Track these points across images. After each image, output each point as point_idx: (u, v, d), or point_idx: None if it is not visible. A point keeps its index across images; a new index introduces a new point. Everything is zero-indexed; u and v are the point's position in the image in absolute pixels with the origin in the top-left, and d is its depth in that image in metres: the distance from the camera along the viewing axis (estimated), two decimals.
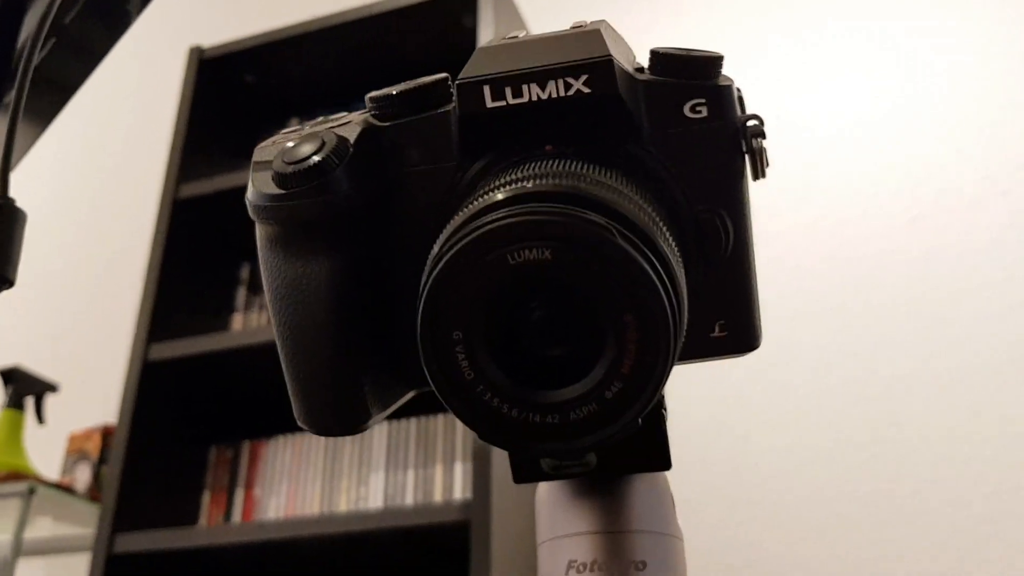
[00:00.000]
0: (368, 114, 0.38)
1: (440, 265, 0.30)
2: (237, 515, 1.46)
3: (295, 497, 1.44)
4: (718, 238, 0.35)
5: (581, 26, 0.36)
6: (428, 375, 0.30)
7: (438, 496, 1.36)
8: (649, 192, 0.33)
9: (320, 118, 0.40)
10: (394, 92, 0.37)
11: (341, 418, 0.38)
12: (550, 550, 0.37)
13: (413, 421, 1.43)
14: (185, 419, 1.52)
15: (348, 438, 1.46)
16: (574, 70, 0.34)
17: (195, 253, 1.60)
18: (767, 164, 0.35)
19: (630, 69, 0.35)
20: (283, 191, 0.36)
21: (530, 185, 0.30)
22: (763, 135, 0.35)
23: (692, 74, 0.35)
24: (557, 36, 0.35)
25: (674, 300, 0.29)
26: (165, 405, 1.48)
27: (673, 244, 0.31)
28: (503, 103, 0.34)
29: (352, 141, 0.36)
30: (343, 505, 1.40)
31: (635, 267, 0.29)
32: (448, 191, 0.36)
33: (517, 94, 0.34)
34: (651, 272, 0.29)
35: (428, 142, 0.36)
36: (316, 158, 0.36)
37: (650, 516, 0.35)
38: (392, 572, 1.42)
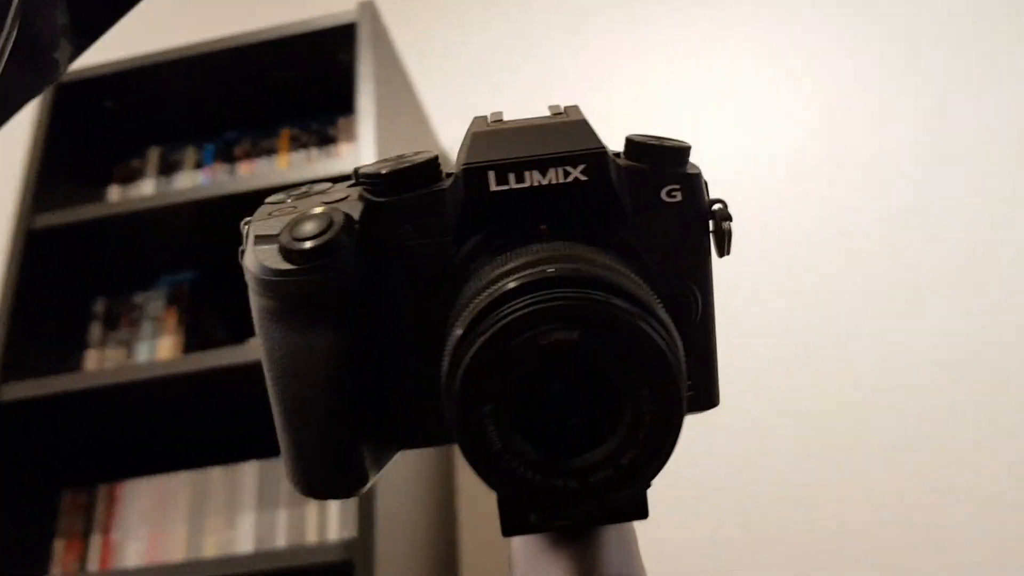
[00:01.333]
0: (360, 188, 0.40)
1: (475, 348, 0.32)
2: (94, 563, 1.37)
3: (157, 542, 1.36)
4: (689, 310, 0.40)
5: (559, 112, 0.40)
6: (460, 446, 0.33)
7: (311, 536, 1.32)
8: (635, 269, 0.36)
9: (304, 188, 0.42)
10: (385, 172, 0.39)
11: (341, 484, 0.40)
12: None
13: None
14: (35, 462, 1.42)
15: (216, 478, 1.40)
16: (573, 160, 0.37)
17: (49, 286, 1.52)
18: (731, 244, 0.40)
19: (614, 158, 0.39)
20: (292, 267, 0.38)
21: (552, 270, 0.32)
22: (729, 217, 0.40)
23: (666, 162, 0.39)
24: (552, 125, 0.39)
25: (683, 375, 0.32)
26: (13, 447, 1.38)
27: (669, 320, 0.34)
28: (506, 187, 0.37)
29: (357, 219, 0.38)
30: (210, 549, 1.34)
31: (655, 348, 0.32)
32: (443, 264, 0.39)
33: (520, 180, 0.37)
34: (668, 352, 0.32)
35: (422, 218, 0.39)
36: (327, 236, 0.38)
37: (620, 560, 0.38)
38: None
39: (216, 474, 1.40)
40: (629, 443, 0.33)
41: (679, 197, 0.39)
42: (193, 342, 1.52)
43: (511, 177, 0.37)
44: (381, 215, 0.39)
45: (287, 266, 0.38)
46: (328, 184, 0.42)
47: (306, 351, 0.39)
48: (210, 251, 1.57)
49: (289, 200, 0.41)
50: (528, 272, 0.33)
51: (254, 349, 1.39)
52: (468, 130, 0.40)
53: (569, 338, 0.32)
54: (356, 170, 0.41)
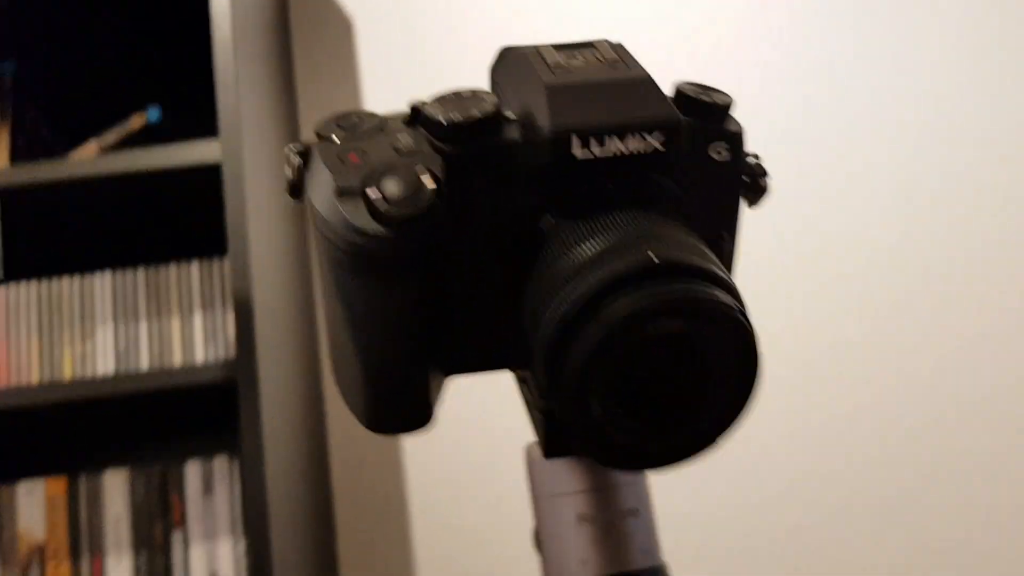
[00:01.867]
0: (423, 133, 0.39)
1: (594, 340, 0.34)
2: None
3: (7, 360, 1.28)
4: (721, 252, 0.42)
5: (615, 58, 0.40)
6: (560, 413, 0.35)
7: (176, 357, 1.27)
8: (686, 226, 0.39)
9: (352, 117, 0.41)
10: (457, 121, 0.39)
11: (414, 420, 0.43)
12: (554, 505, 0.44)
13: (141, 271, 1.31)
14: None
15: (66, 291, 1.31)
16: (651, 128, 0.38)
17: None
18: (766, 189, 0.43)
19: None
20: (383, 230, 0.37)
21: (656, 260, 0.34)
22: (766, 173, 0.43)
23: (715, 118, 0.41)
24: (623, 83, 0.39)
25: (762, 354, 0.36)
26: None
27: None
28: (588, 155, 0.38)
29: (443, 179, 0.38)
30: (67, 369, 1.28)
31: (749, 338, 0.35)
32: (514, 216, 0.40)
33: (601, 146, 0.38)
34: (756, 338, 0.35)
35: (493, 170, 0.39)
36: (421, 202, 0.37)
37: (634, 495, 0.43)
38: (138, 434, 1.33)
39: (67, 285, 1.31)
40: (714, 412, 0.36)
41: (726, 156, 0.41)
42: (19, 144, 1.37)
43: (593, 144, 0.38)
44: (454, 165, 0.39)
45: (378, 229, 0.37)
46: (376, 117, 0.41)
47: (386, 304, 0.40)
48: (35, 37, 1.39)
49: (345, 136, 0.40)
50: (630, 258, 0.34)
51: (94, 159, 1.27)
52: (517, 69, 0.41)
53: (677, 329, 0.34)
54: (415, 109, 0.40)
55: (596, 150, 0.38)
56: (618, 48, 0.42)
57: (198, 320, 1.29)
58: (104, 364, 1.27)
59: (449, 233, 0.39)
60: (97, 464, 1.31)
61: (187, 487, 1.28)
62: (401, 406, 0.43)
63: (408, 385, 0.42)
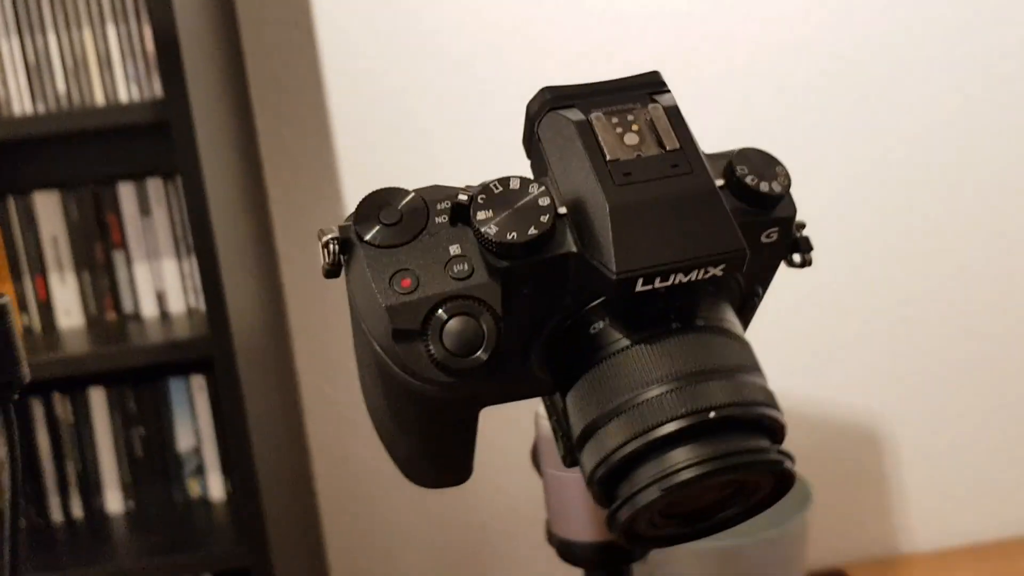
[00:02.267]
0: (476, 240, 0.39)
1: (645, 500, 0.37)
2: None
3: None
4: (754, 304, 0.46)
5: (674, 147, 0.40)
6: (610, 530, 0.39)
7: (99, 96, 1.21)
8: (724, 300, 0.42)
9: (398, 214, 0.41)
10: (523, 241, 0.38)
11: (460, 478, 0.48)
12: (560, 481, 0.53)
13: None
14: None
15: None
16: (716, 261, 0.38)
17: None
18: (811, 262, 0.46)
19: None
20: (448, 379, 0.38)
21: (710, 415, 0.37)
22: (811, 247, 0.45)
23: (769, 206, 0.42)
24: (686, 200, 0.39)
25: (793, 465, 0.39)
26: None
27: (744, 335, 0.42)
28: (650, 287, 0.38)
29: (501, 313, 0.39)
30: None
31: (788, 479, 0.39)
32: (565, 316, 0.41)
33: (664, 280, 0.38)
34: (793, 478, 0.39)
35: (547, 277, 0.40)
36: (482, 353, 0.38)
37: None
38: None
39: None
40: (743, 514, 0.42)
41: (775, 238, 0.43)
42: None
43: (658, 281, 0.38)
44: (509, 277, 0.39)
45: (445, 378, 0.38)
46: (416, 204, 0.41)
47: (444, 413, 0.42)
48: None
49: (387, 236, 0.40)
50: (689, 409, 0.37)
51: None
52: (569, 148, 0.40)
53: (725, 483, 0.39)
54: (459, 207, 0.40)
55: (658, 284, 0.38)
56: (672, 115, 0.40)
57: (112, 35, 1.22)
58: (19, 100, 1.20)
59: (503, 340, 0.40)
60: (26, 187, 1.28)
61: (123, 208, 1.28)
62: (445, 474, 0.47)
63: (458, 458, 0.46)
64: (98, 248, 1.29)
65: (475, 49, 1.38)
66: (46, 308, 1.30)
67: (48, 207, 1.28)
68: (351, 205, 1.41)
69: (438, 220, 0.40)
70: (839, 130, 1.43)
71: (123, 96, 1.22)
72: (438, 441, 0.45)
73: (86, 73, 1.21)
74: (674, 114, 0.41)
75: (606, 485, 0.39)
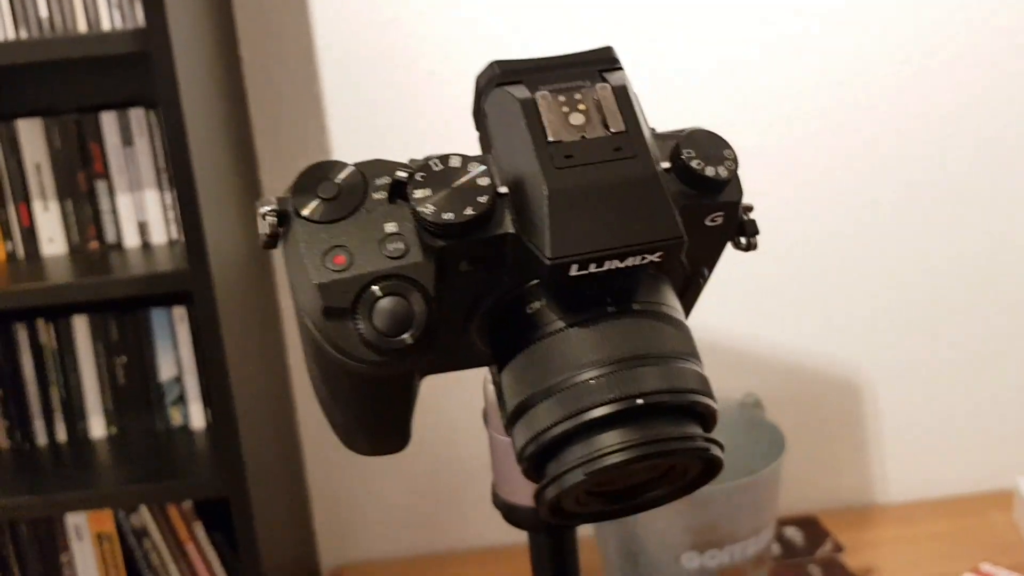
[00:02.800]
0: (411, 215, 0.39)
1: (569, 483, 0.38)
2: None
3: None
4: (699, 284, 0.47)
5: (619, 130, 0.40)
6: (538, 508, 0.40)
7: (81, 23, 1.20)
8: (665, 282, 0.43)
9: (332, 188, 0.40)
10: (460, 221, 0.38)
11: (396, 446, 0.49)
12: (504, 446, 0.51)
13: None
14: None
15: None
16: (651, 249, 0.39)
17: None
18: (756, 246, 0.46)
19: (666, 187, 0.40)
20: (376, 358, 0.38)
21: (640, 401, 0.38)
22: (757, 231, 0.45)
23: (715, 191, 0.42)
24: (625, 185, 0.39)
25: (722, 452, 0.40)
26: None
27: (683, 319, 0.43)
28: (585, 272, 0.39)
29: (432, 292, 0.39)
30: None
31: (714, 466, 0.40)
32: (503, 294, 0.41)
33: (599, 266, 0.39)
34: (719, 464, 0.40)
35: (484, 256, 0.40)
36: (413, 332, 0.38)
37: None
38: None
39: None
40: (673, 492, 0.43)
41: (719, 222, 0.43)
42: None
43: (592, 266, 0.38)
44: (444, 256, 0.39)
45: (375, 357, 0.38)
46: (356, 179, 0.40)
47: (379, 389, 0.43)
48: None
49: (325, 211, 0.40)
50: (618, 391, 0.38)
51: None
52: (512, 126, 0.40)
53: (651, 467, 0.40)
54: (398, 184, 0.40)
55: (593, 270, 0.38)
56: (620, 95, 0.40)
57: None
58: (1, 26, 1.19)
59: (436, 319, 0.40)
60: (9, 114, 1.28)
61: (105, 137, 1.28)
62: (382, 443, 0.48)
63: (394, 432, 0.46)
64: (81, 177, 1.29)
65: None
66: (30, 235, 1.30)
67: (31, 134, 1.28)
68: (337, 138, 1.43)
69: (376, 196, 0.40)
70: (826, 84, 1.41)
71: (105, 24, 1.21)
72: (373, 414, 0.46)
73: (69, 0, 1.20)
74: (622, 94, 0.41)
75: (535, 462, 0.39)
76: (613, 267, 0.39)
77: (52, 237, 1.31)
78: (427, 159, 0.40)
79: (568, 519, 0.41)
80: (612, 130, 0.40)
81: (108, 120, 1.28)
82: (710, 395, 0.40)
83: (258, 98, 1.38)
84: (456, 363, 0.46)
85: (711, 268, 0.46)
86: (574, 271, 0.39)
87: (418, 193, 0.39)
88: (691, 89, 1.40)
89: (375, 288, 0.38)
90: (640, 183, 0.39)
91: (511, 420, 0.40)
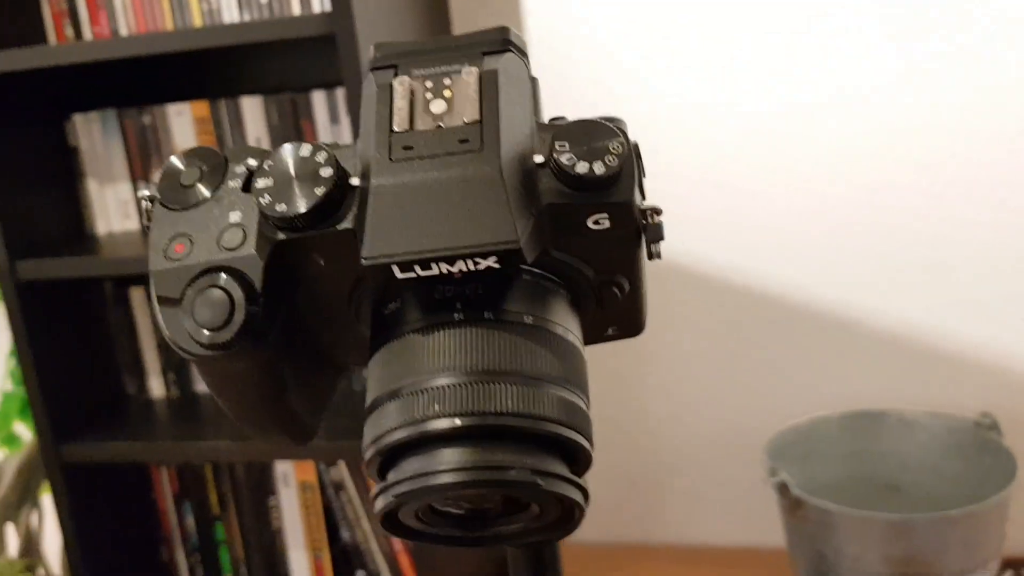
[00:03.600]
0: (263, 221, 0.38)
1: (390, 502, 0.35)
2: (87, 33, 1.36)
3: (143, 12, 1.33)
4: (617, 293, 0.41)
5: (466, 134, 0.36)
6: (381, 523, 0.38)
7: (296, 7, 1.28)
8: (553, 293, 0.39)
9: (213, 162, 0.40)
10: (294, 213, 0.36)
11: (299, 439, 0.46)
12: None
13: None
14: None
15: None
16: (484, 254, 0.35)
17: None
18: (659, 255, 0.40)
19: (519, 201, 0.36)
20: (203, 352, 0.37)
21: (459, 423, 0.34)
22: (662, 237, 0.39)
23: (594, 190, 0.37)
24: (460, 185, 0.35)
25: (584, 496, 0.36)
26: None
27: (571, 335, 0.39)
28: (412, 275, 0.36)
29: (261, 282, 0.37)
30: (196, 19, 1.31)
31: (571, 503, 0.36)
32: (351, 292, 0.40)
33: (426, 269, 0.36)
34: (582, 498, 0.36)
35: (331, 251, 0.38)
36: (231, 330, 0.36)
37: None
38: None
39: None
40: (531, 531, 0.38)
41: (606, 224, 0.37)
42: None
43: (417, 268, 0.36)
44: (286, 252, 0.38)
45: (198, 350, 0.38)
46: (219, 170, 0.39)
47: (240, 383, 0.41)
48: None
49: (180, 200, 0.39)
50: (448, 413, 0.34)
51: None
52: (372, 109, 0.38)
53: (481, 494, 0.37)
54: (251, 174, 0.39)
55: (420, 272, 0.36)
56: (487, 82, 0.37)
57: None
58: (228, 10, 1.30)
59: (287, 312, 0.38)
60: (235, 92, 1.40)
61: (315, 115, 1.36)
62: (284, 437, 0.46)
63: (279, 424, 0.44)
64: None
65: None
66: None
67: (253, 111, 1.38)
68: None
69: (231, 184, 0.39)
70: None
71: (317, 8, 1.28)
72: (247, 406, 0.44)
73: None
74: (489, 79, 0.37)
75: (377, 466, 0.37)
76: (444, 271, 0.36)
77: None
78: (279, 147, 0.38)
79: (408, 534, 0.39)
80: (465, 120, 0.37)
81: (318, 99, 1.35)
82: (577, 427, 0.36)
83: None
84: (365, 359, 0.44)
85: (631, 278, 0.41)
86: (398, 273, 0.36)
87: (260, 183, 0.37)
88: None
89: (202, 279, 0.37)
90: (477, 181, 0.36)
91: (364, 417, 0.38)
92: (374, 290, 0.39)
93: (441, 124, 0.37)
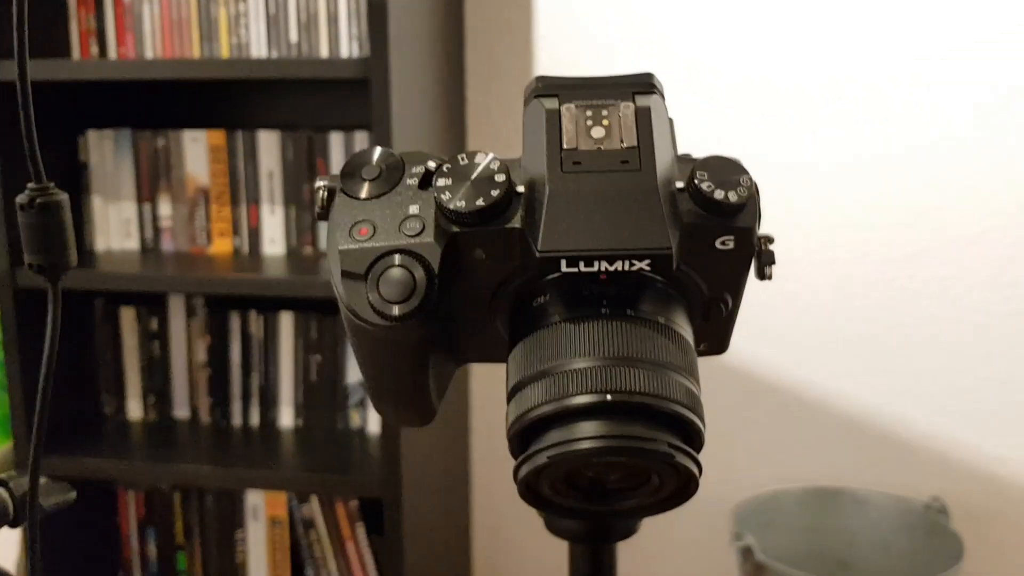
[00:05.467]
0: (434, 205, 0.43)
1: (537, 464, 0.39)
2: (112, 52, 1.39)
3: (171, 39, 1.37)
4: (720, 310, 0.46)
5: (628, 151, 0.42)
6: (520, 491, 0.42)
7: (324, 49, 1.33)
8: (677, 301, 0.44)
9: (374, 175, 0.45)
10: (470, 209, 0.42)
11: (425, 420, 0.52)
12: None
13: None
14: None
15: None
16: (640, 256, 0.41)
17: None
18: (771, 277, 0.46)
19: (668, 213, 0.42)
20: (382, 322, 0.42)
21: (609, 398, 0.39)
22: (773, 261, 0.45)
23: (726, 214, 0.42)
24: (624, 194, 0.41)
25: (699, 473, 0.40)
26: None
27: (689, 338, 0.43)
28: (575, 270, 0.41)
29: (437, 269, 0.42)
30: (224, 51, 1.36)
31: (689, 475, 0.40)
32: (510, 287, 0.44)
33: (588, 265, 0.41)
34: (692, 476, 0.40)
35: (494, 247, 0.43)
36: (414, 302, 0.42)
37: None
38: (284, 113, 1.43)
39: None
40: (653, 498, 0.43)
41: (731, 246, 0.43)
42: None
43: (582, 264, 0.41)
44: (458, 243, 0.43)
45: (378, 320, 0.42)
46: (397, 167, 0.45)
47: (393, 355, 0.47)
48: None
49: (364, 189, 0.45)
50: (590, 390, 0.39)
51: None
52: (538, 132, 0.44)
53: (618, 464, 0.41)
54: (429, 173, 0.44)
55: (584, 268, 0.41)
56: (642, 116, 0.43)
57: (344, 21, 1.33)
58: (257, 45, 1.35)
59: (447, 298, 0.43)
60: (253, 124, 1.43)
61: (331, 154, 1.40)
62: (412, 416, 0.51)
63: (418, 405, 0.50)
64: (305, 188, 1.42)
65: None
66: (255, 234, 1.45)
67: (269, 144, 1.42)
68: None
69: (409, 182, 0.45)
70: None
71: (344, 52, 1.33)
72: (388, 379, 0.49)
73: (316, 28, 1.34)
74: (643, 114, 0.43)
75: (520, 441, 0.41)
76: (603, 268, 0.41)
77: (273, 238, 1.44)
78: (457, 155, 0.44)
79: (544, 505, 0.43)
80: (625, 144, 0.43)
81: (336, 140, 1.40)
82: (696, 412, 0.40)
83: (477, 138, 1.47)
84: (488, 354, 0.49)
85: (735, 296, 0.46)
86: (564, 267, 0.41)
87: (440, 182, 0.43)
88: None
89: (386, 259, 0.42)
90: (638, 193, 0.42)
91: (508, 401, 0.43)
92: (526, 283, 0.44)
93: (601, 147, 0.43)
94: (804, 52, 1.41)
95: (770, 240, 0.46)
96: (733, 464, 1.53)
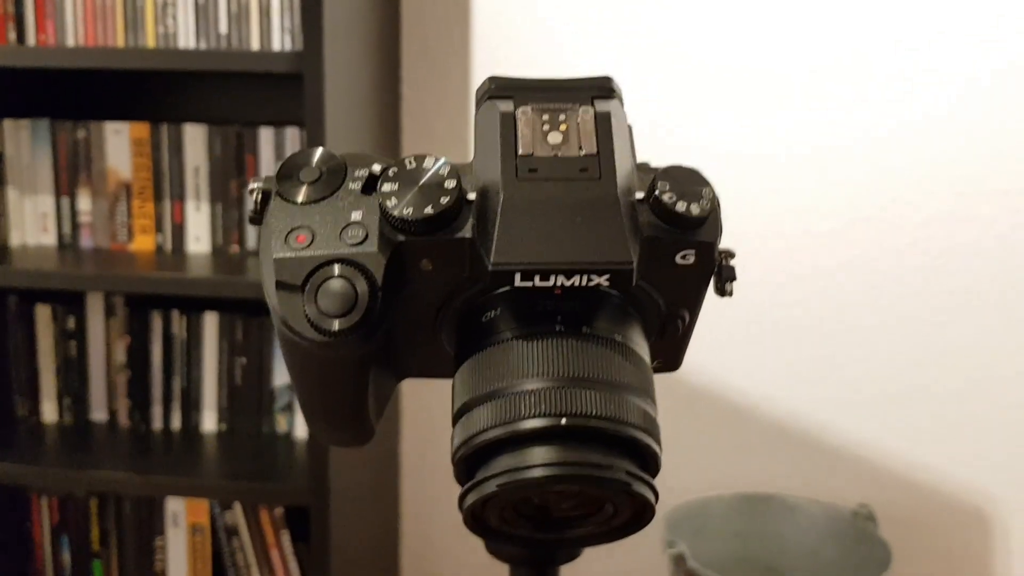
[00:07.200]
0: (378, 210, 0.40)
1: (484, 494, 0.37)
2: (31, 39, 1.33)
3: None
4: (677, 327, 0.44)
5: (587, 163, 0.40)
6: (466, 521, 0.39)
7: (255, 42, 1.28)
8: (634, 317, 0.42)
9: (331, 164, 0.42)
10: (418, 218, 0.39)
11: (360, 440, 0.49)
12: None
13: None
14: None
15: None
16: (600, 271, 0.39)
17: None
18: (731, 293, 0.43)
19: (628, 225, 0.39)
20: (320, 338, 0.39)
21: (563, 422, 0.36)
22: (734, 277, 0.43)
23: (687, 228, 0.40)
24: (581, 205, 0.39)
25: (655, 499, 0.38)
26: None
27: (646, 356, 0.41)
28: (529, 284, 0.39)
29: (381, 281, 0.39)
30: (151, 39, 1.30)
31: (644, 502, 0.38)
32: (460, 300, 0.41)
33: (544, 280, 0.39)
34: (653, 500, 0.38)
35: (444, 257, 0.40)
36: (354, 318, 0.39)
37: None
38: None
39: None
40: (605, 526, 0.41)
41: (691, 261, 0.41)
42: None
43: (537, 279, 0.39)
44: (404, 252, 0.40)
45: (315, 335, 0.39)
46: (339, 170, 0.42)
47: (330, 372, 0.44)
48: None
49: (303, 193, 0.41)
50: (543, 413, 0.37)
51: None
52: (491, 137, 0.41)
53: (569, 492, 0.39)
54: (373, 177, 0.41)
55: (539, 282, 0.38)
56: (601, 122, 0.40)
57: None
58: (185, 36, 1.29)
59: (390, 311, 0.40)
60: (179, 117, 1.38)
61: (260, 151, 1.36)
62: (347, 436, 0.48)
63: (353, 425, 0.47)
64: (233, 185, 1.38)
65: None
66: (179, 231, 1.39)
67: (195, 138, 1.37)
68: None
69: (351, 186, 0.41)
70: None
71: (276, 45, 1.29)
72: (324, 398, 0.46)
73: (247, 19, 1.29)
74: (603, 120, 0.41)
75: (466, 466, 0.39)
76: (559, 284, 0.38)
77: (199, 236, 1.39)
78: (404, 158, 0.41)
79: (491, 535, 0.40)
80: (584, 152, 0.40)
81: (265, 135, 1.36)
82: (654, 436, 0.38)
83: (412, 136, 1.44)
84: (432, 369, 0.46)
85: (692, 313, 0.44)
86: (518, 281, 0.39)
87: (386, 187, 0.40)
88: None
89: (325, 269, 0.39)
90: (597, 204, 0.39)
91: (453, 422, 0.40)
92: (475, 297, 0.41)
93: (559, 154, 0.40)
94: (765, 39, 1.41)
95: (731, 255, 0.43)
96: (665, 471, 1.50)
